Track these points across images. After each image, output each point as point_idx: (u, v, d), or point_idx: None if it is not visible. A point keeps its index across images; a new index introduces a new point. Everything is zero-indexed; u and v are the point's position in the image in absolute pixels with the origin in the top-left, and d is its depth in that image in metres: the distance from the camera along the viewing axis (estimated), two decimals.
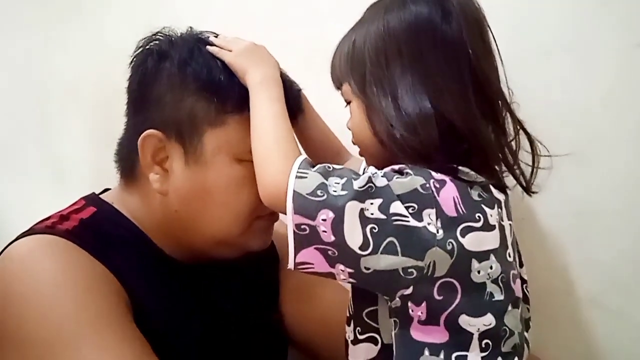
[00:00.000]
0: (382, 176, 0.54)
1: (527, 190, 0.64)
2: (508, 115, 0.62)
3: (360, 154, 0.67)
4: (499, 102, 0.61)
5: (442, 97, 0.57)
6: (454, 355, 0.54)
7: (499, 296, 0.56)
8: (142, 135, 0.64)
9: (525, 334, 0.63)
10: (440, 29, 0.58)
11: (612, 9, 0.70)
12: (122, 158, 0.70)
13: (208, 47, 0.66)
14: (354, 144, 0.66)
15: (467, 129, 0.57)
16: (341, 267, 0.53)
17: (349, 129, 0.65)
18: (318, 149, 0.76)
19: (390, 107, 0.57)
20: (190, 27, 0.70)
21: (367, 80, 0.60)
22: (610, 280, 0.75)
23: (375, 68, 0.59)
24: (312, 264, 0.54)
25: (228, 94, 0.64)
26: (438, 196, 0.53)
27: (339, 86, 0.65)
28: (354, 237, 0.52)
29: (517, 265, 0.63)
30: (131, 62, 0.68)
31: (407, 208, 0.52)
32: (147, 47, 0.68)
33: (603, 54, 0.71)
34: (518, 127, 0.63)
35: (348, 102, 0.64)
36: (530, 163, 0.64)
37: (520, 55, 0.74)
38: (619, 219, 0.74)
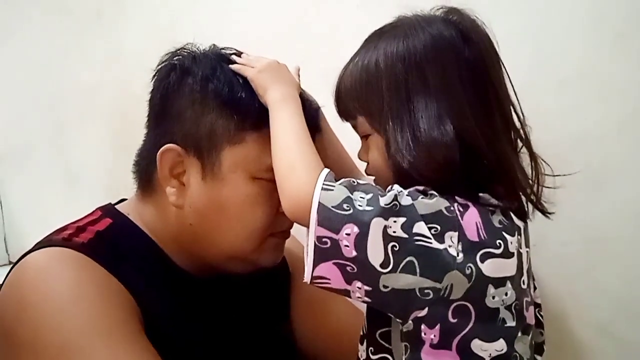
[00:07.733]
0: (407, 195, 0.54)
1: (543, 211, 0.64)
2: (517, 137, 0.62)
3: (375, 183, 0.65)
4: (513, 126, 0.62)
5: (467, 122, 0.56)
6: None
7: (510, 322, 0.55)
8: (161, 149, 0.65)
9: (539, 358, 0.63)
10: (463, 52, 0.58)
11: (628, 39, 0.71)
12: (140, 170, 0.71)
13: (230, 64, 0.67)
14: (367, 174, 0.66)
15: (494, 153, 0.57)
16: (358, 284, 0.53)
17: (362, 160, 0.64)
18: (332, 168, 0.77)
19: (409, 138, 0.56)
20: (213, 45, 0.71)
21: (384, 113, 0.58)
22: (620, 308, 0.75)
23: (395, 101, 0.58)
24: (329, 279, 0.53)
25: (248, 111, 0.65)
26: (462, 219, 0.54)
27: (351, 118, 0.64)
28: (376, 254, 0.51)
29: (531, 291, 0.63)
30: (154, 76, 0.69)
31: (430, 229, 0.52)
32: (171, 62, 0.68)
33: (618, 83, 0.72)
34: (532, 153, 0.63)
35: (365, 136, 0.63)
36: (545, 186, 0.64)
37: (537, 83, 0.75)
38: (630, 247, 0.74)
